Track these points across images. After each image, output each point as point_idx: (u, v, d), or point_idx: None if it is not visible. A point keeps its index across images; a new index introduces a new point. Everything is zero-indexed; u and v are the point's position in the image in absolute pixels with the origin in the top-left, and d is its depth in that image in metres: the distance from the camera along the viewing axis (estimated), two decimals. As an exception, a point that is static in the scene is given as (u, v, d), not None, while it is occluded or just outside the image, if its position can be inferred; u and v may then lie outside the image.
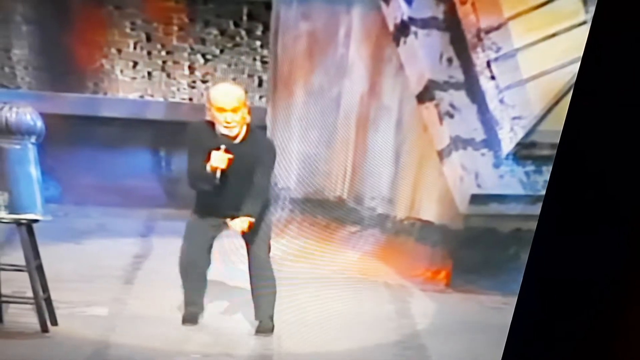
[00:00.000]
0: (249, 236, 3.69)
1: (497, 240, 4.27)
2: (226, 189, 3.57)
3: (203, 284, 3.77)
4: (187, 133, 3.59)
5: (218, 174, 3.49)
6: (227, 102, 3.49)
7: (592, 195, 2.14)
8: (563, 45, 3.96)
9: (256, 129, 3.68)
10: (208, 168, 3.49)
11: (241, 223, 3.57)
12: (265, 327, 3.75)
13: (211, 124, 3.55)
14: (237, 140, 3.56)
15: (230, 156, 3.50)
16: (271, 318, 3.76)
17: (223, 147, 3.49)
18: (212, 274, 3.77)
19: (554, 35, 4.02)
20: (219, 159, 3.48)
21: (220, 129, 3.52)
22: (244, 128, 3.57)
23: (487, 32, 4.11)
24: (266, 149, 3.68)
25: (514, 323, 2.43)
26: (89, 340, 3.55)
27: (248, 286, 3.77)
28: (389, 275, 4.41)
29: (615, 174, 2.11)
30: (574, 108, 2.06)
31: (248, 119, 3.58)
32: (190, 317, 3.76)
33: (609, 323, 2.31)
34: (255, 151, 3.58)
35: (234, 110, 3.49)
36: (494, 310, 3.98)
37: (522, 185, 4.28)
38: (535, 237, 2.29)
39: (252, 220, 3.58)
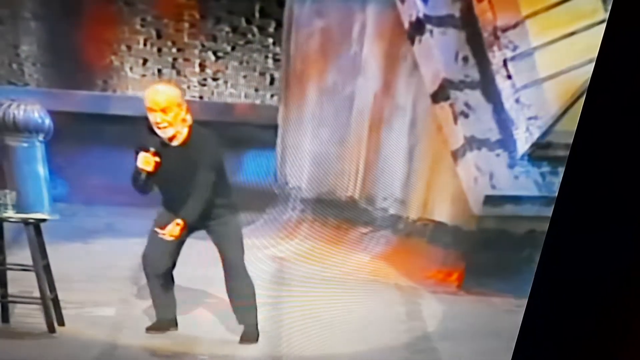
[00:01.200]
0: (219, 243, 3.62)
1: (511, 242, 4.23)
2: (171, 192, 3.52)
3: (164, 288, 3.67)
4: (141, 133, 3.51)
5: (143, 176, 3.43)
6: (155, 101, 3.40)
7: (604, 197, 2.14)
8: (581, 44, 3.91)
9: (199, 131, 3.53)
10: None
11: (171, 228, 3.47)
12: (250, 336, 3.69)
13: None
14: (176, 143, 3.48)
15: (157, 159, 3.42)
16: (255, 326, 3.70)
17: (152, 149, 3.41)
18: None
19: (572, 33, 3.97)
20: (142, 161, 3.42)
21: (156, 131, 3.44)
22: (185, 130, 3.48)
23: (504, 30, 4.07)
24: (206, 152, 3.52)
25: (524, 325, 2.44)
26: (96, 340, 3.57)
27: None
28: (400, 277, 4.40)
29: (629, 175, 2.10)
30: (586, 110, 2.05)
31: (189, 120, 3.48)
32: (158, 325, 3.70)
33: (620, 326, 2.31)
34: (195, 154, 3.47)
35: (164, 111, 3.40)
36: (507, 313, 3.95)
37: (537, 187, 4.25)
38: (547, 239, 2.29)
39: (182, 224, 3.45)
